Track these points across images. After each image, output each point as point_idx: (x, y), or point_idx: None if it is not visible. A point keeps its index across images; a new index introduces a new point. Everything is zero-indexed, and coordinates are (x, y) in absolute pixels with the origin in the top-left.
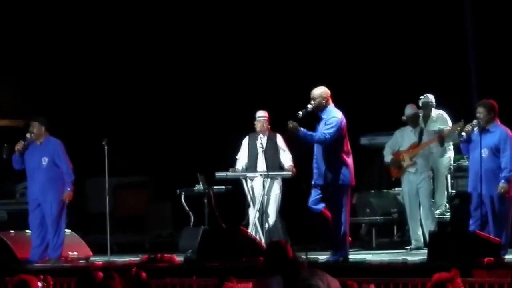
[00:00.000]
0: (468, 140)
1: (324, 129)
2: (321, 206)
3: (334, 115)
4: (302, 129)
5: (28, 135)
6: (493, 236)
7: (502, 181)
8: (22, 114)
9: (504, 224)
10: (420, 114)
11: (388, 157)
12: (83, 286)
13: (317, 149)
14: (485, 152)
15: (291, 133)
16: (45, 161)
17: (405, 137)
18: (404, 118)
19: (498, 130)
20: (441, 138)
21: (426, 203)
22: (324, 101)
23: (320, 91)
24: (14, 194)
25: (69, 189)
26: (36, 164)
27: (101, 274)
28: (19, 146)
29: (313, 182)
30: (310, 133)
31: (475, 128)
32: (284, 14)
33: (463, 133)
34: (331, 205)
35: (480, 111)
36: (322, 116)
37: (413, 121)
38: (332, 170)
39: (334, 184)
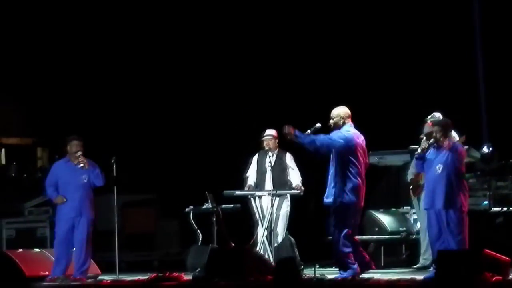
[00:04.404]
0: (423, 157)
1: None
2: None
3: (347, 129)
4: (299, 132)
5: (79, 153)
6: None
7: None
8: (30, 132)
9: (462, 238)
10: None
11: (409, 176)
12: None
13: (331, 168)
14: (439, 168)
15: (288, 135)
16: (85, 178)
17: None
18: (422, 136)
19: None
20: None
21: None
22: (341, 121)
23: (338, 111)
24: (22, 212)
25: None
26: (74, 181)
27: None
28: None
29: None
30: (312, 136)
31: (432, 147)
32: (295, 33)
33: (419, 150)
34: (334, 223)
35: (436, 130)
36: None
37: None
38: (337, 189)
39: (336, 203)
